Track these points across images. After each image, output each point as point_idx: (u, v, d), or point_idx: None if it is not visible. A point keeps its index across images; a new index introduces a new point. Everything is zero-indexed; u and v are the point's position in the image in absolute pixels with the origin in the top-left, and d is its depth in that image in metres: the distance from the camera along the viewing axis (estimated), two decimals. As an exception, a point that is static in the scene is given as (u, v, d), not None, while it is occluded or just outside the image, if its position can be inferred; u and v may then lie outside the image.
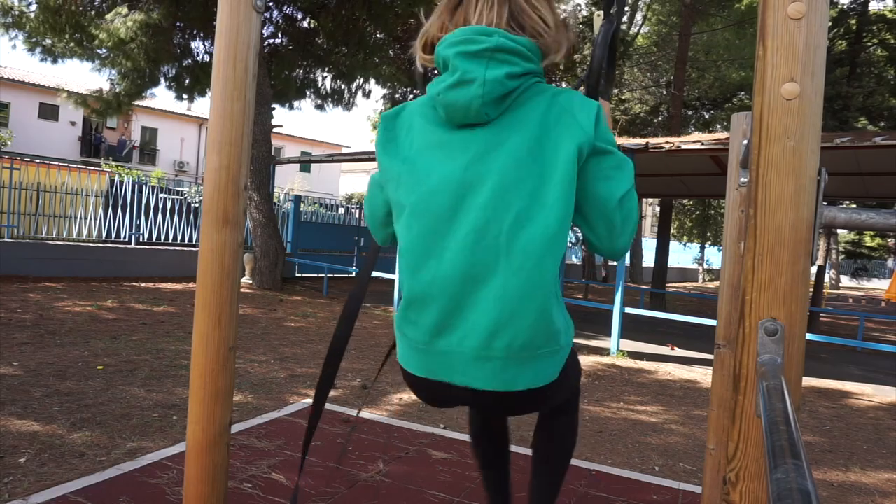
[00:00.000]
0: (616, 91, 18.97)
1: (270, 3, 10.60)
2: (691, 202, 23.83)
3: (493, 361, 1.01)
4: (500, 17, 1.04)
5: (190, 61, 10.83)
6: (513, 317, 0.99)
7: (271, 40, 11.26)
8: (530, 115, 1.02)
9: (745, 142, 1.30)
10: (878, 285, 37.67)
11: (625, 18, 19.25)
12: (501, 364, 1.01)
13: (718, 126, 18.98)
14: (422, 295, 1.05)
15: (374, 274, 1.51)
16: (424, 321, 1.06)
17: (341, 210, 14.85)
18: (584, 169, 1.04)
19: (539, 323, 1.01)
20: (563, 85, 16.57)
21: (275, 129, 11.92)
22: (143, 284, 8.79)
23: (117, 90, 10.44)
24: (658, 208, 19.00)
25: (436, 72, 1.14)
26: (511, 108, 1.02)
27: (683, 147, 6.96)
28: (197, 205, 11.15)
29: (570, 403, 1.39)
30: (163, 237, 10.56)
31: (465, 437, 3.30)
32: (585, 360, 6.20)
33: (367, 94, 13.44)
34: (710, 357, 1.56)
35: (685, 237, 29.46)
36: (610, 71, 1.49)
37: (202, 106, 24.24)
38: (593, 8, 16.89)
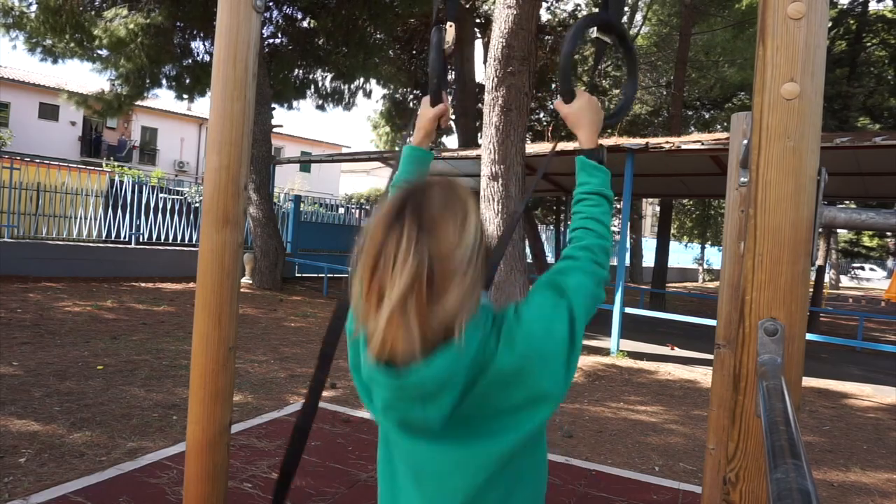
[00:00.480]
0: (616, 92, 18.97)
1: (270, 3, 10.60)
2: (691, 202, 23.82)
3: None
4: (413, 333, 0.73)
5: (190, 61, 10.83)
6: None
7: (271, 40, 11.26)
8: (488, 393, 0.83)
9: (745, 142, 1.30)
10: (878, 285, 37.67)
11: (624, 19, 19.25)
12: None
13: (718, 126, 18.98)
14: None
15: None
16: None
17: (341, 210, 14.86)
18: None
19: None
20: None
21: (275, 129, 11.92)
22: (143, 284, 8.78)
23: (119, 91, 10.45)
24: (658, 208, 19.08)
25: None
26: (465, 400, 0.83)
27: (683, 147, 6.97)
28: (197, 205, 11.14)
29: None
30: (163, 237, 10.56)
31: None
32: (585, 360, 6.20)
33: (367, 94, 13.46)
34: (710, 357, 1.56)
35: (685, 237, 29.45)
36: (632, 70, 1.42)
37: (202, 106, 24.24)
38: (594, 9, 16.90)
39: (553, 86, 16.34)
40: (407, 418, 0.82)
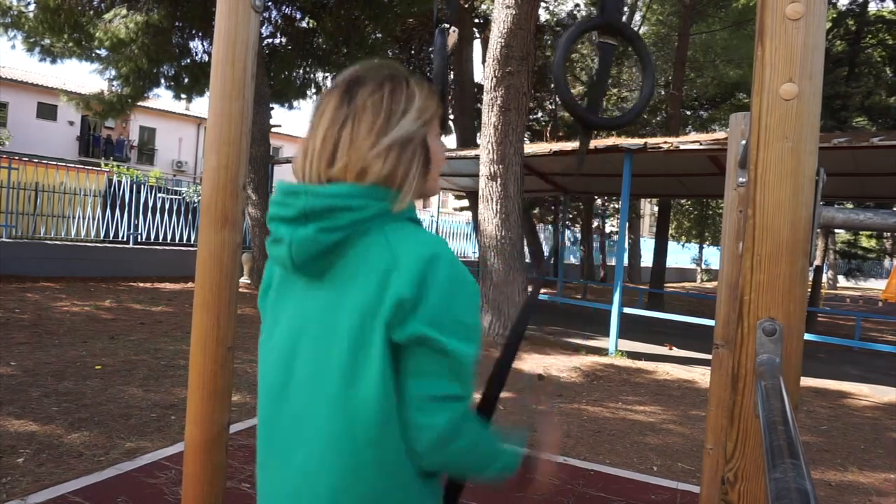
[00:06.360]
0: (615, 90, 18.98)
1: (269, 3, 10.59)
2: (689, 202, 23.85)
3: None
4: (321, 161, 0.83)
5: (188, 61, 10.82)
6: None
7: (270, 40, 11.25)
8: (354, 273, 0.81)
9: (744, 142, 1.30)
10: (876, 285, 37.75)
11: (623, 19, 19.25)
12: None
13: (716, 126, 19.02)
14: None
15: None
16: None
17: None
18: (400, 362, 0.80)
19: None
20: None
21: (273, 129, 11.91)
22: (141, 284, 8.77)
23: (119, 91, 10.44)
24: (656, 208, 19.13)
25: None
26: (337, 261, 0.82)
27: (682, 147, 6.97)
28: (195, 204, 11.14)
29: None
30: (161, 237, 10.55)
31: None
32: (584, 360, 6.20)
33: (368, 94, 13.42)
34: (709, 357, 1.57)
35: (683, 237, 29.48)
36: (645, 68, 1.37)
37: (201, 105, 24.22)
38: (592, 8, 16.90)
39: (552, 85, 16.34)
40: (277, 236, 0.84)
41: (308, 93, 12.34)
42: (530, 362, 5.76)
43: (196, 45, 10.82)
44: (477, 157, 7.70)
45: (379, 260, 0.79)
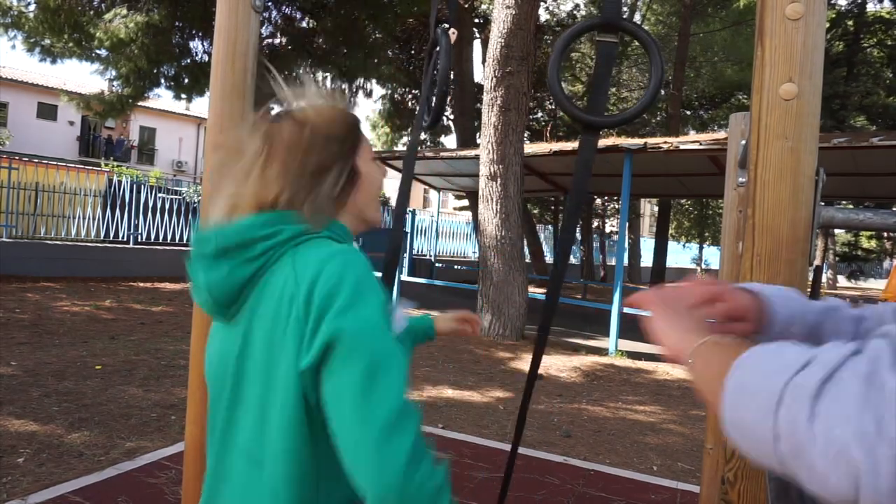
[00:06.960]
0: (614, 90, 19.00)
1: (269, 3, 10.59)
2: (689, 202, 23.84)
3: None
4: (226, 203, 0.81)
5: (188, 61, 10.82)
6: None
7: (270, 40, 11.25)
8: (264, 304, 0.76)
9: (744, 142, 1.30)
10: (876, 285, 37.73)
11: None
12: None
13: (716, 126, 19.03)
14: None
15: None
16: None
17: (340, 210, 14.83)
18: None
19: None
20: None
21: (273, 129, 11.86)
22: (141, 284, 8.77)
23: (119, 91, 10.44)
24: (656, 208, 19.13)
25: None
26: (251, 294, 0.78)
27: (682, 147, 6.97)
28: (195, 204, 11.13)
29: None
30: (161, 237, 10.55)
31: (464, 438, 3.30)
32: (584, 360, 6.20)
33: (368, 94, 13.45)
34: (709, 357, 1.57)
35: (683, 237, 29.48)
36: (651, 59, 1.36)
37: (201, 105, 24.24)
38: (592, 8, 16.90)
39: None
40: (194, 279, 0.82)
41: (308, 93, 12.35)
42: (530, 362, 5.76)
43: (196, 45, 10.82)
44: (477, 157, 7.70)
45: (284, 287, 0.74)
